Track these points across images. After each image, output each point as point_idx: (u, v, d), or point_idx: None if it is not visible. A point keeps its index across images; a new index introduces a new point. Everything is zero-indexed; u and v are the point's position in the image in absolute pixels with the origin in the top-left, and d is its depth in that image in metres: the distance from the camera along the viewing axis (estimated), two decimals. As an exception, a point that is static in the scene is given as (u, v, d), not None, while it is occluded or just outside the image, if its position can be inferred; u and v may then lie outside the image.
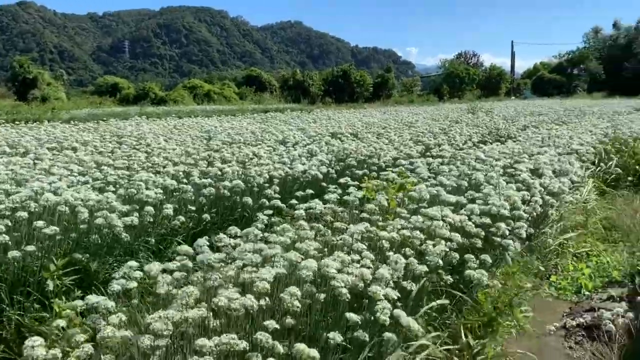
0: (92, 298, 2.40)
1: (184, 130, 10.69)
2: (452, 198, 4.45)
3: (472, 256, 3.61)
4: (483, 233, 3.92)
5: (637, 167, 8.96)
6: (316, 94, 44.75)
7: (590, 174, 7.85)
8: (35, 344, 2.11)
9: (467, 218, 4.06)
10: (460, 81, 53.40)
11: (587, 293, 5.02)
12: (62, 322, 2.47)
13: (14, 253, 3.27)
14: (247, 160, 6.37)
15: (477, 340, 3.42)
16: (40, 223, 3.59)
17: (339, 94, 45.47)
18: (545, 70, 61.17)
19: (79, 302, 2.44)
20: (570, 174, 6.13)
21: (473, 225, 3.96)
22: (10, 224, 3.56)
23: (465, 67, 56.25)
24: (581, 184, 7.07)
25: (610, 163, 8.73)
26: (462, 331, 3.49)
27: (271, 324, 2.31)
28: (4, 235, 3.37)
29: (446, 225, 3.82)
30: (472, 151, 7.30)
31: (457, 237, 3.67)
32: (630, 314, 4.04)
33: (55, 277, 3.48)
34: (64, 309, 2.87)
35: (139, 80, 64.69)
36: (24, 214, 3.68)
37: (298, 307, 2.50)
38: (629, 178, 8.84)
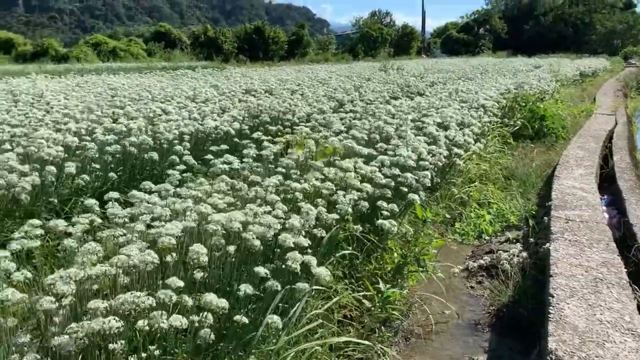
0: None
1: (87, 88, 10.06)
2: (365, 150, 4.56)
3: (385, 204, 3.73)
4: (393, 183, 4.05)
5: (535, 121, 9.60)
6: (229, 51, 43.59)
7: (495, 127, 8.30)
8: None
9: (377, 169, 4.18)
10: (374, 40, 53.94)
11: (487, 237, 5.37)
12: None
13: None
14: (155, 116, 6.13)
15: (387, 286, 3.58)
16: None
17: (253, 51, 44.55)
18: (454, 29, 63.06)
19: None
20: (474, 127, 6.43)
21: (382, 177, 4.08)
22: None
23: (379, 26, 56.76)
24: (486, 136, 7.47)
25: (514, 117, 9.29)
26: (370, 278, 3.64)
27: (173, 281, 2.27)
28: None
29: (357, 176, 3.91)
30: (382, 106, 7.45)
31: (367, 187, 3.78)
32: (524, 254, 4.40)
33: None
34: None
35: (37, 37, 59.75)
36: None
37: (205, 262, 2.47)
38: (529, 131, 9.48)
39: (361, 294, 3.43)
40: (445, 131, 5.82)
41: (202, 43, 44.34)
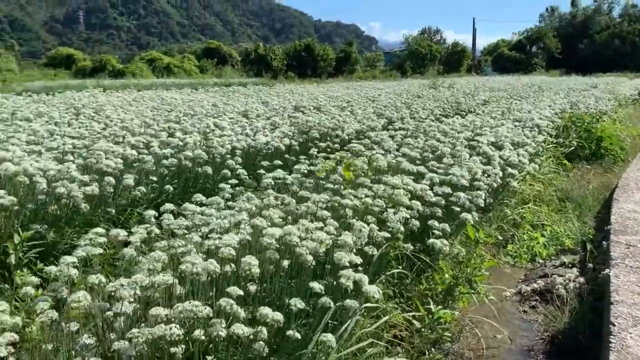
0: (69, 258, 2.34)
1: (144, 102, 10.42)
2: (414, 168, 4.52)
3: (436, 223, 3.68)
4: (443, 202, 4.00)
5: (591, 142, 9.28)
6: (279, 68, 44.23)
7: (549, 147, 8.09)
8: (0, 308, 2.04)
9: (428, 187, 4.14)
10: (423, 58, 53.63)
11: (541, 261, 5.21)
12: (30, 290, 2.41)
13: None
14: (209, 131, 6.28)
15: (437, 307, 3.52)
16: (0, 192, 3.46)
17: (301, 68, 45.04)
18: (505, 47, 61.99)
19: (52, 268, 2.37)
20: (528, 147, 6.29)
21: (432, 195, 4.03)
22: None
23: (428, 43, 56.43)
24: (540, 157, 7.28)
25: (570, 138, 9.03)
26: (420, 298, 3.59)
27: (234, 290, 2.30)
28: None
29: (406, 194, 3.88)
30: (434, 124, 7.39)
31: (417, 205, 3.74)
32: (581, 279, 4.23)
33: (18, 249, 3.38)
34: (27, 278, 2.80)
35: (95, 53, 62.49)
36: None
37: (257, 273, 2.50)
38: (585, 151, 9.17)
39: (411, 314, 3.38)
40: (499, 151, 5.71)
41: (252, 60, 45.20)
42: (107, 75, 32.69)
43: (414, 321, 3.38)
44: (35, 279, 2.67)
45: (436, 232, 3.66)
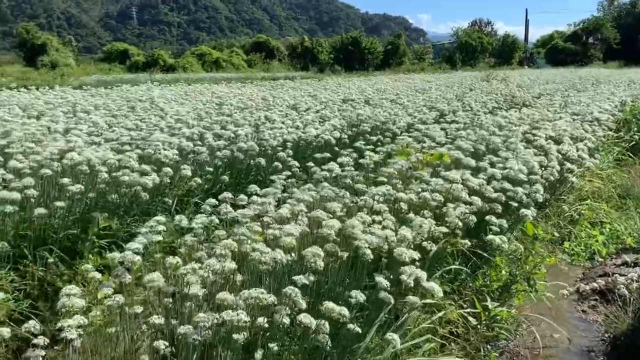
0: (135, 243, 2.43)
1: (196, 96, 10.62)
2: (472, 162, 4.43)
3: (494, 219, 3.60)
4: (504, 198, 3.91)
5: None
6: (325, 61, 44.21)
7: (610, 142, 7.79)
8: (71, 292, 2.13)
9: (485, 182, 4.05)
10: (473, 50, 52.47)
11: (600, 259, 5.02)
12: (98, 275, 2.50)
13: (40, 210, 3.30)
14: (260, 124, 6.35)
15: (495, 304, 3.45)
16: (66, 180, 3.60)
17: (348, 61, 44.85)
18: (560, 39, 59.82)
19: (116, 254, 2.46)
20: (588, 141, 6.06)
21: (492, 190, 3.95)
22: (33, 182, 3.55)
23: (479, 35, 55.10)
24: (599, 152, 7.02)
25: (631, 132, 8.64)
26: (476, 294, 3.53)
27: (300, 279, 2.32)
28: (32, 190, 3.39)
29: (465, 189, 3.81)
30: (489, 117, 7.23)
31: (477, 200, 3.67)
32: (646, 279, 4.06)
33: (93, 237, 3.55)
34: (86, 265, 2.91)
35: (147, 47, 64.21)
36: (48, 172, 3.69)
37: (321, 266, 2.50)
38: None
39: (467, 310, 3.33)
40: (556, 145, 5.53)
41: (299, 54, 45.39)
42: (159, 69, 33.53)
43: (470, 317, 3.32)
44: (90, 265, 2.78)
45: (494, 228, 3.58)
